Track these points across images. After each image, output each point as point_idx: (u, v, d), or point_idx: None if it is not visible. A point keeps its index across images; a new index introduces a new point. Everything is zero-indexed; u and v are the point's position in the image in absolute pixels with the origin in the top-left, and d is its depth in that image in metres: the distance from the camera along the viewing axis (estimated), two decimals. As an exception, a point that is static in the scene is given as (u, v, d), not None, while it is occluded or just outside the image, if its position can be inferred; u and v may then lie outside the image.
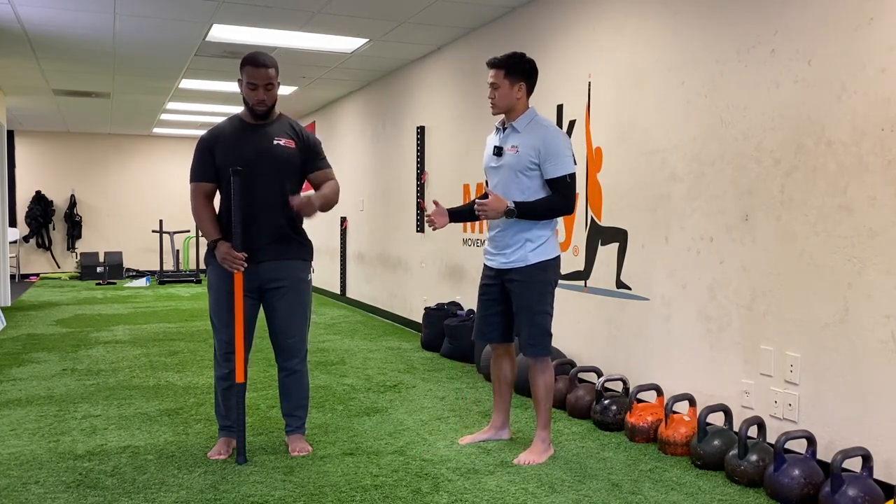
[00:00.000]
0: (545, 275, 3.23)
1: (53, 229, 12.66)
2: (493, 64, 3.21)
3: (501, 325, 3.37)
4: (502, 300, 3.32)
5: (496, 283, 3.32)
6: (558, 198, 3.16)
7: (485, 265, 3.39)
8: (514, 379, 3.50)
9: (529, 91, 3.25)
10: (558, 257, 3.29)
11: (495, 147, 3.27)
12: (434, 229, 3.40)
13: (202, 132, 3.39)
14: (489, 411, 3.99)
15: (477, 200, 3.19)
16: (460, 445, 3.42)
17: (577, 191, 4.23)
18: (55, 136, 12.58)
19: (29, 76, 7.55)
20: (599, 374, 3.98)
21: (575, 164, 3.20)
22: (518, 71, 3.19)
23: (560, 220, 4.01)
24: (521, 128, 3.21)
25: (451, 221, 3.41)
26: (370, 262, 8.16)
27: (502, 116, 3.29)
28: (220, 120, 3.36)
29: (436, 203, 3.41)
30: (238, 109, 3.44)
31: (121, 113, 10.24)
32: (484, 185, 3.45)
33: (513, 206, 3.11)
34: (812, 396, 2.96)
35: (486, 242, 3.37)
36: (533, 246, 3.20)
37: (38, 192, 12.48)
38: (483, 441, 3.46)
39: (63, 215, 12.71)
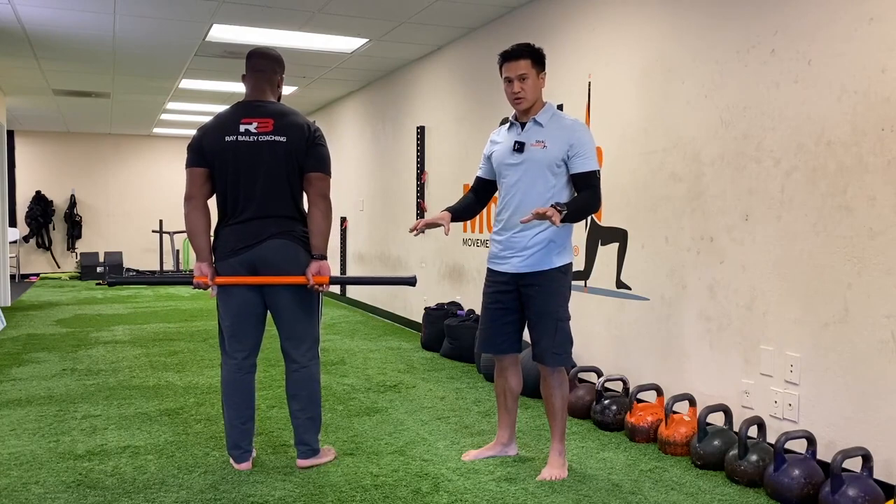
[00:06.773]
0: (566, 279, 3.03)
1: (53, 229, 12.66)
2: (520, 54, 2.97)
3: (515, 335, 3.13)
4: (517, 308, 3.07)
5: (510, 290, 3.05)
6: (589, 194, 2.94)
7: (493, 270, 3.12)
8: (520, 392, 3.26)
9: None
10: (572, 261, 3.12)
11: (516, 142, 3.01)
12: (448, 234, 3.15)
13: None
14: (489, 411, 3.99)
15: (536, 213, 2.75)
16: (461, 448, 3.41)
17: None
18: (55, 136, 12.58)
19: (29, 76, 7.56)
20: (599, 374, 3.97)
21: None
22: (543, 61, 3.03)
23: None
24: (545, 122, 3.00)
25: (453, 221, 3.16)
26: (370, 262, 8.16)
27: (512, 111, 3.10)
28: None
29: (422, 224, 3.10)
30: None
31: (121, 113, 10.24)
32: (498, 185, 3.16)
33: (563, 209, 2.78)
34: (812, 396, 2.96)
35: (493, 246, 3.11)
36: (557, 248, 2.98)
37: (38, 192, 12.49)
38: (490, 457, 3.24)
39: (63, 215, 12.71)
